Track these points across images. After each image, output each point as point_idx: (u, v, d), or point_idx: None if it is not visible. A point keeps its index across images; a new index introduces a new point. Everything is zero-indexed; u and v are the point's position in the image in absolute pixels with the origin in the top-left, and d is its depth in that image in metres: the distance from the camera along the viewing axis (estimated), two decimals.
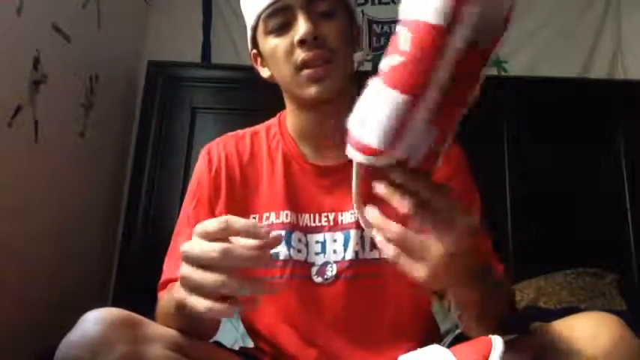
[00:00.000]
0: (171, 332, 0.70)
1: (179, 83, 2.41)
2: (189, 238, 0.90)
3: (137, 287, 2.06)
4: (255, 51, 0.98)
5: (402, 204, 0.53)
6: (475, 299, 0.64)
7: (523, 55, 2.62)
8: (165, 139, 2.35)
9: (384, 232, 0.55)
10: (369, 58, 2.60)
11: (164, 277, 0.89)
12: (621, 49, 2.60)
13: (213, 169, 0.95)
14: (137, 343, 0.63)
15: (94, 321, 0.63)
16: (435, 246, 0.53)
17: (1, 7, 1.49)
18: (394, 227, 0.55)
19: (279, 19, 0.86)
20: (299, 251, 0.88)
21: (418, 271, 0.54)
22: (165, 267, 0.91)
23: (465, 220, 0.54)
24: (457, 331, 0.89)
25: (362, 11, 2.65)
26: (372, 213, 0.57)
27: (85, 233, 2.06)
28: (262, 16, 0.88)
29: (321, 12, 0.86)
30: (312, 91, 0.86)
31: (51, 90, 1.73)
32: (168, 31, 2.60)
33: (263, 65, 0.98)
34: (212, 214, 0.91)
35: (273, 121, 1.03)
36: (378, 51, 2.58)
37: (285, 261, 0.87)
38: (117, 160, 2.36)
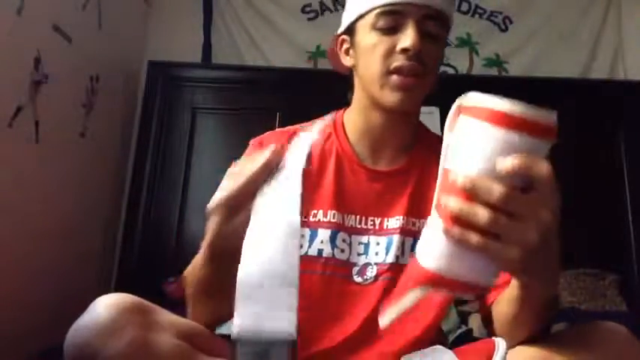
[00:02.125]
0: (181, 321, 0.69)
1: (179, 83, 2.41)
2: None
3: (138, 286, 2.06)
4: (344, 37, 0.97)
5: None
6: (541, 296, 0.61)
7: (524, 56, 2.62)
8: (166, 139, 2.35)
9: (473, 215, 0.48)
10: None
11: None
12: (622, 50, 2.61)
13: None
14: (147, 330, 0.62)
15: (104, 306, 0.62)
16: (530, 230, 0.48)
17: (1, 8, 1.49)
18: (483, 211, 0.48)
19: (390, 21, 0.87)
20: (342, 251, 0.89)
21: (511, 253, 0.48)
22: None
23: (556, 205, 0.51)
24: (459, 331, 0.90)
25: None
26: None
27: (85, 233, 2.07)
28: (376, 11, 0.88)
29: (429, 32, 0.87)
30: (394, 97, 0.87)
31: (52, 90, 1.74)
32: (169, 32, 2.61)
33: (347, 53, 0.97)
34: None
35: (326, 119, 1.02)
36: None
37: (327, 259, 0.88)
38: (117, 160, 2.36)
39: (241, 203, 0.60)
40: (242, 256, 0.53)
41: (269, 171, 0.60)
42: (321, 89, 2.21)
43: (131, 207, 2.30)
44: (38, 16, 1.65)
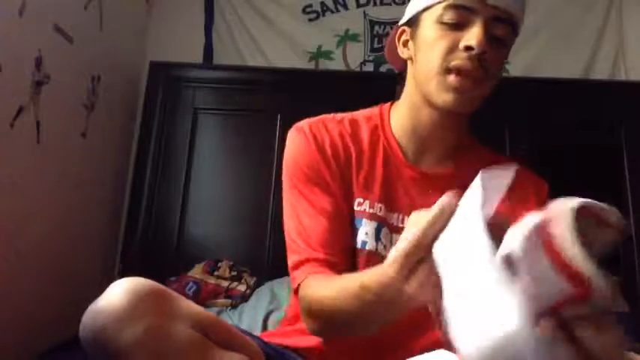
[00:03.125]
0: (197, 310, 0.68)
1: (181, 84, 2.41)
2: (323, 217, 0.85)
3: None
4: (404, 27, 0.93)
5: None
6: None
7: (525, 56, 2.61)
8: (167, 139, 2.35)
9: None
10: (370, 59, 2.61)
11: (301, 256, 0.84)
12: (623, 50, 2.60)
13: (320, 147, 0.90)
14: (163, 318, 0.61)
15: (122, 290, 0.61)
16: None
17: (3, 8, 1.49)
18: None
19: (457, 16, 0.83)
20: (385, 247, 0.86)
21: None
22: (295, 247, 0.86)
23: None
24: None
25: (364, 12, 2.65)
26: None
27: (86, 233, 2.07)
28: (444, 4, 0.84)
29: (496, 36, 0.83)
30: (448, 97, 0.83)
31: (53, 91, 1.74)
32: (170, 32, 2.61)
33: (406, 45, 0.93)
34: (327, 188, 0.88)
35: (372, 111, 0.98)
36: (379, 52, 2.58)
37: (370, 252, 0.85)
38: (118, 161, 2.36)
39: (421, 253, 0.55)
40: (453, 321, 0.47)
41: (446, 217, 0.54)
42: (323, 90, 2.21)
43: (132, 207, 2.30)
44: (39, 17, 1.66)
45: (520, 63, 2.61)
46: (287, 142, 0.94)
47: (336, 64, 2.61)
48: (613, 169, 2.29)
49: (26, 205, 1.63)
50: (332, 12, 2.68)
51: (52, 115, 1.74)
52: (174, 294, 0.67)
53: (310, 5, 2.68)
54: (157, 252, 2.23)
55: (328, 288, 0.77)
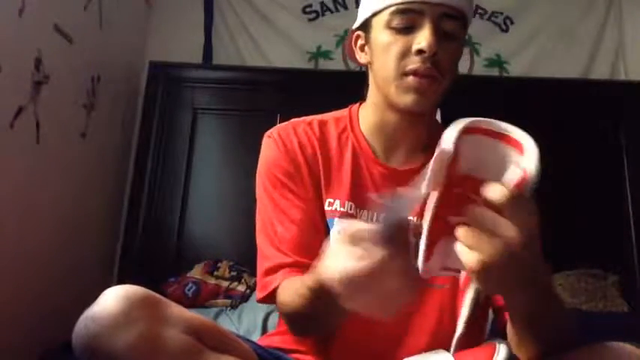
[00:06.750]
0: (188, 315, 0.69)
1: (180, 84, 2.41)
2: (295, 224, 0.87)
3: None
4: (358, 32, 0.96)
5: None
6: (526, 301, 0.62)
7: (524, 56, 2.62)
8: (167, 139, 2.35)
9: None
10: None
11: (273, 262, 0.86)
12: (623, 50, 2.60)
13: (290, 151, 0.93)
14: (156, 324, 0.62)
15: (115, 297, 0.62)
16: (493, 243, 0.52)
17: (3, 8, 1.49)
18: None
19: (405, 20, 0.85)
20: None
21: (469, 258, 0.53)
22: (268, 253, 0.88)
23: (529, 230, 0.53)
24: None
25: None
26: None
27: (86, 233, 2.07)
28: (391, 10, 0.86)
29: (446, 31, 0.85)
30: (407, 99, 0.85)
31: (52, 91, 1.74)
32: (170, 32, 2.61)
33: (362, 49, 0.95)
34: (299, 193, 0.90)
35: (341, 112, 1.01)
36: None
37: None
38: (118, 161, 2.36)
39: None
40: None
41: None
42: (322, 90, 2.21)
43: (132, 207, 2.30)
44: (39, 17, 1.66)
45: (520, 63, 2.61)
46: (261, 149, 0.96)
47: (335, 64, 2.61)
48: (613, 169, 2.29)
49: (26, 205, 1.63)
50: (331, 12, 2.68)
51: (51, 115, 1.74)
52: (167, 300, 0.68)
53: (310, 5, 2.68)
54: (157, 252, 2.23)
55: (289, 290, 0.80)
